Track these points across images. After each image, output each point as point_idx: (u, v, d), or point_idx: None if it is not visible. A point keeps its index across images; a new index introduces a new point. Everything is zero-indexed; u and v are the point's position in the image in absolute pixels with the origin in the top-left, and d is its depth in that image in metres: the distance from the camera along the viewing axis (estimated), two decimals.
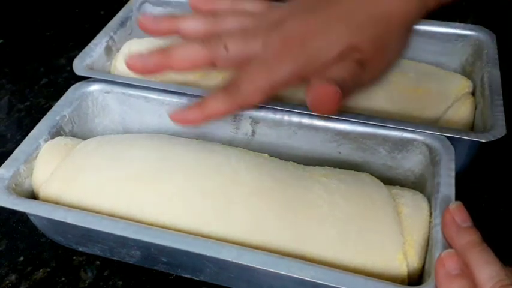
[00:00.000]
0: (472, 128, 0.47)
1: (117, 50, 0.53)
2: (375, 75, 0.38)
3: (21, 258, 0.43)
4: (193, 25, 0.40)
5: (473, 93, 0.49)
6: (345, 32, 0.35)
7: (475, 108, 0.47)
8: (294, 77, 0.37)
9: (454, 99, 0.47)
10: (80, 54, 0.49)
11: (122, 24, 0.55)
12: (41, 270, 0.43)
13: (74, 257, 0.43)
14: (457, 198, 0.36)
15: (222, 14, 0.40)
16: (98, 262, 0.43)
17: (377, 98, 0.46)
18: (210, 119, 0.39)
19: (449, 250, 0.33)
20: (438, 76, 0.49)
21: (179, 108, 0.39)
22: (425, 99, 0.47)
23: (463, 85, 0.48)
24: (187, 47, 0.38)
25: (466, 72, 0.52)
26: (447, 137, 0.41)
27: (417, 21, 0.37)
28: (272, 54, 0.36)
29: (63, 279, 0.42)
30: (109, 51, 0.52)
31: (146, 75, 0.43)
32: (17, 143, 0.42)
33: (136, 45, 0.52)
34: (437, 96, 0.47)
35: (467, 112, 0.46)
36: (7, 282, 0.42)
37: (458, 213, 0.34)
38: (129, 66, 0.38)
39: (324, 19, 0.36)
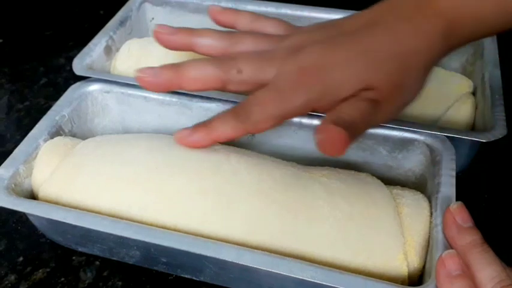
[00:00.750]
0: (472, 127, 0.46)
1: (117, 50, 0.53)
2: (388, 115, 0.36)
3: (21, 259, 0.43)
4: (209, 42, 0.38)
5: (473, 93, 0.49)
6: (363, 70, 0.34)
7: (476, 108, 0.47)
8: (306, 108, 0.35)
9: (454, 99, 0.47)
10: (80, 54, 0.49)
11: (122, 23, 0.55)
12: (40, 271, 0.43)
13: (74, 257, 0.43)
14: (457, 198, 0.36)
15: (239, 34, 0.39)
16: (97, 262, 0.43)
17: None
18: (215, 142, 0.38)
19: (450, 250, 0.33)
20: (439, 76, 0.49)
21: (184, 129, 0.38)
22: (426, 99, 0.46)
23: (464, 85, 0.48)
24: (200, 66, 0.37)
25: (466, 72, 0.52)
26: (448, 136, 0.41)
27: (438, 60, 0.35)
28: (286, 83, 0.35)
29: (62, 279, 0.42)
30: (109, 51, 0.52)
31: (154, 92, 0.43)
32: (17, 143, 0.42)
33: (136, 45, 0.52)
34: (437, 96, 0.47)
35: (468, 112, 0.46)
36: (6, 282, 0.42)
37: (459, 213, 0.34)
38: (139, 80, 0.37)
39: (344, 53, 0.34)
